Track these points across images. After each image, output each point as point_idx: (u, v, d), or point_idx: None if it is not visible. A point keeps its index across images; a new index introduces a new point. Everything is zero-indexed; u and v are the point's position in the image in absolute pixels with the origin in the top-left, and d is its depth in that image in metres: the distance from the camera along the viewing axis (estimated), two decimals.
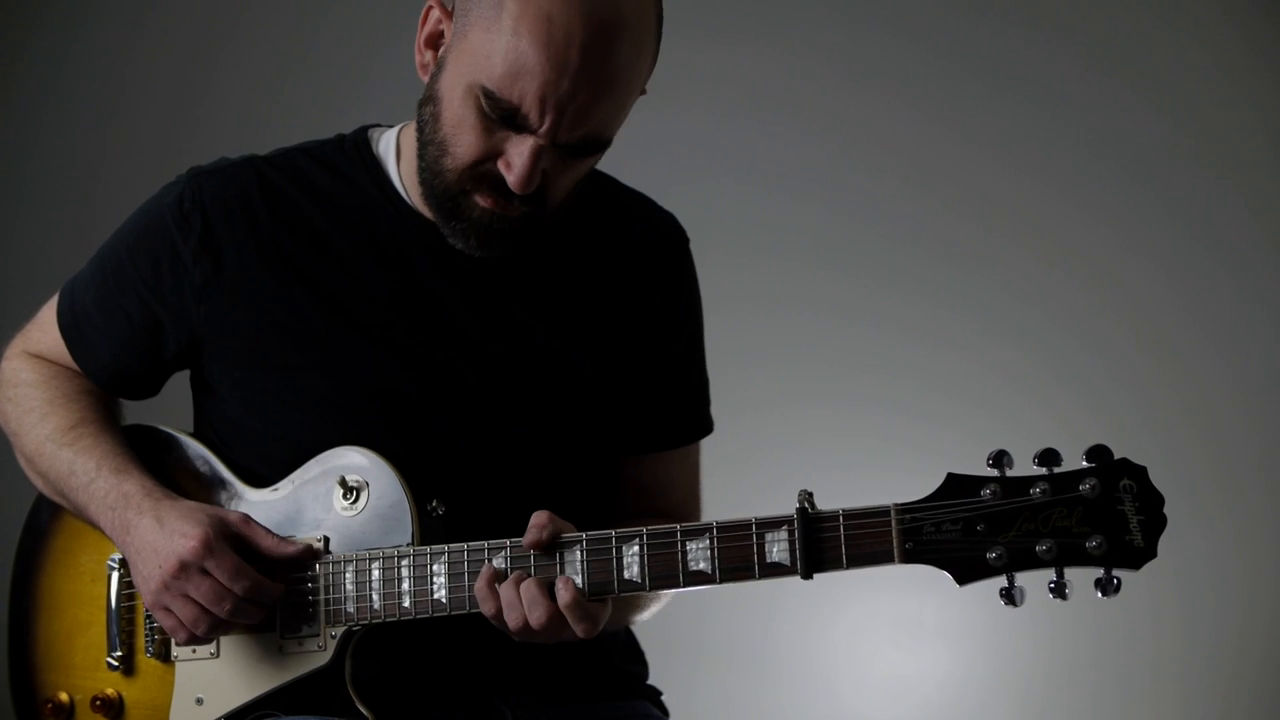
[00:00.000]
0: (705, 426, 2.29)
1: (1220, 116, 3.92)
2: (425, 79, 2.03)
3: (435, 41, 2.02)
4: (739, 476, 3.31)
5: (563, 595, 1.89)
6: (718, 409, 2.30)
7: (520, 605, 1.90)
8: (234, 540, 2.00)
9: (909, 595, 3.85)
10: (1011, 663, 3.90)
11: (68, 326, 2.21)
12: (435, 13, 2.01)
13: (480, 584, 1.92)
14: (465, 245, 2.04)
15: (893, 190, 4.01)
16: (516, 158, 1.94)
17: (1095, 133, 3.95)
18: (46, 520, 2.25)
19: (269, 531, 2.02)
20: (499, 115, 1.93)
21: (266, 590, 2.00)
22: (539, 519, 1.93)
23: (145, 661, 2.12)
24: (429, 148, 2.01)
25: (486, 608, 1.92)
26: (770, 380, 3.93)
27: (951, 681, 3.95)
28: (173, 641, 2.08)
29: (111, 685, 2.15)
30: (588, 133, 1.95)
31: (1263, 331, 3.88)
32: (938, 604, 3.87)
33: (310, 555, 2.02)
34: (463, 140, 1.97)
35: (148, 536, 2.02)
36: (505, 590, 1.91)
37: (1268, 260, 3.89)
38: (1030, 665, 3.89)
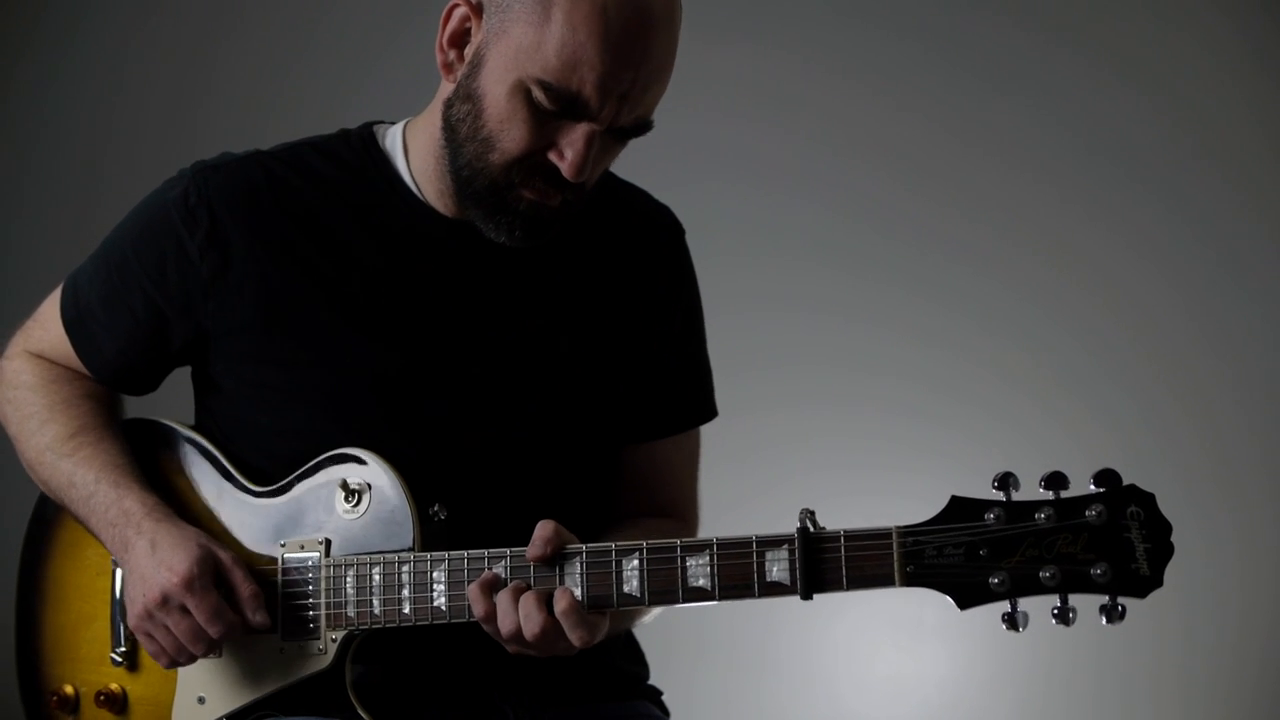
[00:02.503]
0: (708, 411, 2.29)
1: (1220, 116, 3.92)
2: (449, 77, 2.03)
3: (460, 40, 2.01)
4: (739, 476, 3.32)
5: (560, 602, 1.89)
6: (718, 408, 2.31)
7: (514, 613, 1.90)
8: (219, 577, 2.01)
9: (909, 596, 3.84)
10: (1011, 663, 3.91)
11: (71, 322, 2.20)
12: (460, 10, 2.00)
13: (474, 588, 1.92)
14: (508, 239, 2.04)
15: (893, 190, 4.01)
16: (569, 146, 1.95)
17: (1095, 133, 3.95)
18: (53, 511, 2.25)
19: (249, 582, 2.02)
20: (557, 105, 1.93)
21: (239, 632, 2.01)
22: (544, 531, 1.92)
23: (148, 658, 2.11)
24: (469, 145, 2.00)
25: (478, 609, 1.92)
26: (770, 380, 3.93)
27: (951, 681, 3.95)
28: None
29: (115, 680, 2.15)
30: (639, 116, 1.97)
31: (1263, 332, 3.88)
32: (938, 605, 3.86)
33: (266, 628, 2.02)
34: (511, 134, 1.97)
35: (140, 560, 2.02)
36: (501, 598, 1.91)
37: (1268, 260, 3.89)
38: (1030, 665, 3.90)
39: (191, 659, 2.02)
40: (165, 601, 1.99)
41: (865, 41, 4.03)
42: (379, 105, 2.45)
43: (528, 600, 1.89)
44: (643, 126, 2.00)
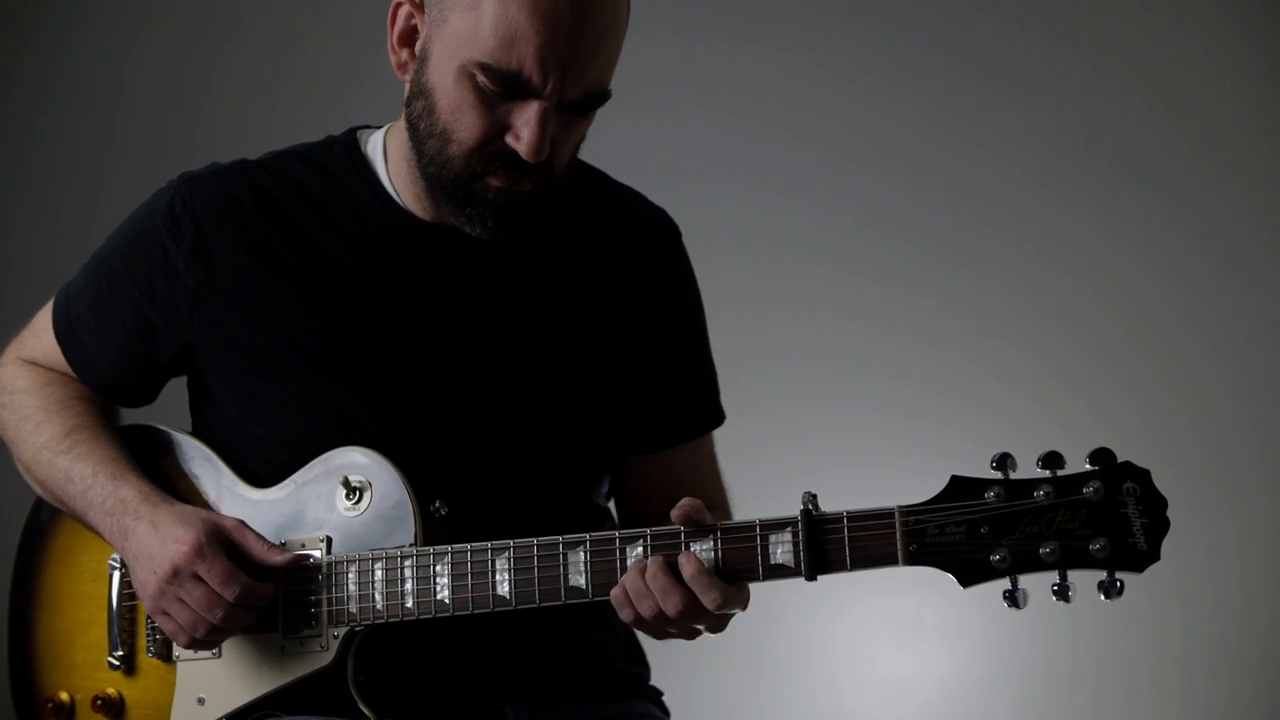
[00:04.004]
0: (716, 417, 2.28)
1: (1220, 116, 3.92)
2: (404, 77, 2.03)
3: (409, 38, 2.01)
4: (739, 476, 3.31)
5: (686, 568, 1.88)
6: None
7: (651, 594, 1.89)
8: (228, 545, 2.01)
9: (909, 595, 3.86)
10: (1011, 663, 3.91)
11: (63, 333, 2.20)
12: (405, 9, 2.01)
13: (618, 591, 1.91)
14: (482, 230, 2.02)
15: (893, 190, 4.01)
16: (524, 126, 1.94)
17: (1095, 132, 3.96)
18: (47, 519, 2.24)
19: (261, 538, 2.02)
20: (500, 86, 1.92)
21: (258, 594, 2.00)
22: (693, 504, 1.91)
23: (146, 661, 2.12)
24: (429, 141, 2.00)
25: (616, 596, 1.91)
26: (770, 380, 3.93)
27: (951, 681, 3.95)
28: (174, 642, 2.08)
29: (112, 685, 2.15)
30: (589, 86, 1.95)
31: (1263, 331, 3.88)
32: (938, 604, 3.87)
33: (299, 565, 2.02)
34: (464, 123, 1.96)
35: (144, 542, 2.02)
36: (630, 580, 1.90)
37: (1268, 260, 3.90)
38: (1030, 665, 3.90)
39: (211, 632, 2.00)
40: (176, 573, 1.98)
41: (865, 42, 4.03)
42: (374, 109, 2.45)
43: (657, 576, 1.88)
44: (597, 97, 1.98)
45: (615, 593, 1.91)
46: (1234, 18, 3.92)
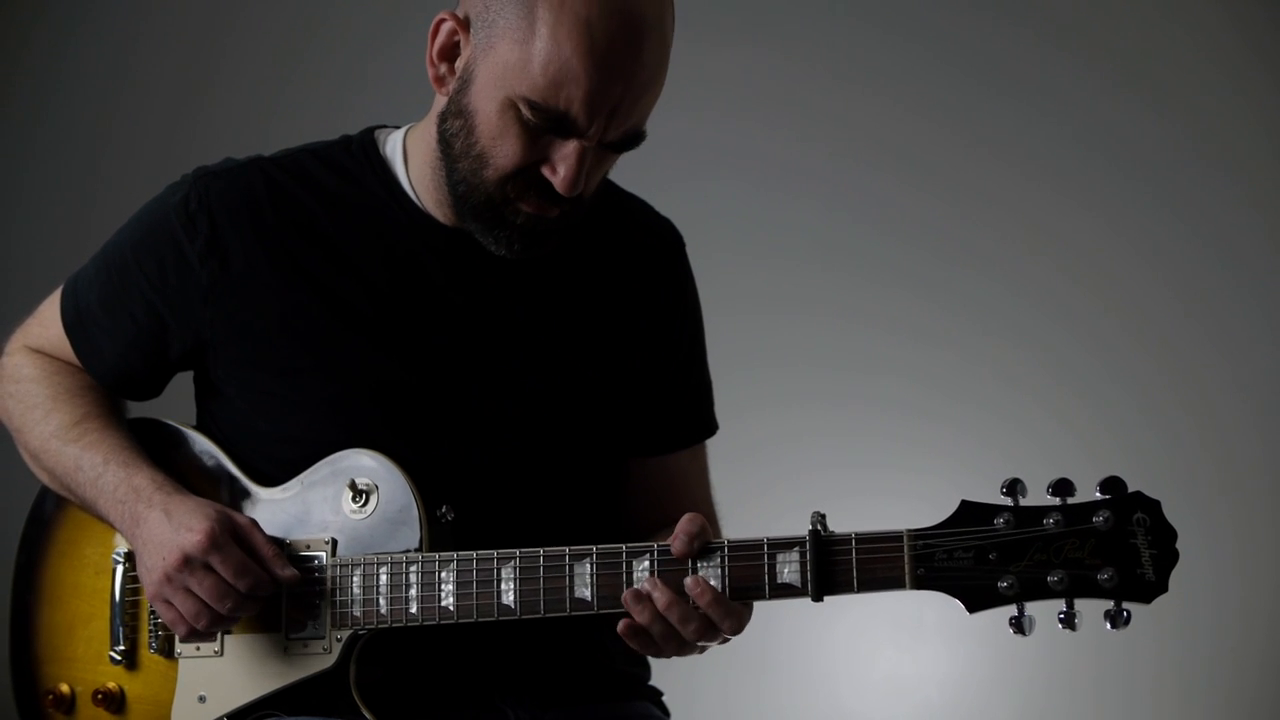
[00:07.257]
0: (710, 427, 2.29)
1: (1220, 116, 3.93)
2: (442, 91, 2.03)
3: (449, 53, 2.01)
4: (739, 476, 3.32)
5: (700, 595, 1.88)
6: (718, 409, 2.30)
7: (666, 622, 1.89)
8: (238, 539, 2.01)
9: (910, 595, 3.85)
10: (1012, 663, 3.91)
11: (71, 324, 2.20)
12: (448, 25, 2.00)
13: (628, 595, 1.91)
14: (508, 251, 2.03)
15: (892, 190, 4.01)
16: (562, 163, 1.95)
17: (1095, 133, 3.96)
18: (51, 511, 2.24)
19: (269, 543, 2.02)
20: (544, 122, 1.93)
21: (267, 587, 2.00)
22: (692, 526, 1.91)
23: (148, 657, 2.12)
24: (463, 160, 2.00)
25: (624, 628, 1.92)
26: (770, 380, 3.93)
27: (951, 681, 3.96)
28: (176, 638, 2.08)
29: (113, 679, 2.15)
30: (629, 129, 1.96)
31: (1263, 331, 3.89)
32: (938, 604, 3.86)
33: (301, 580, 2.01)
34: (504, 150, 1.96)
35: (155, 529, 2.01)
36: (628, 602, 1.90)
37: (1268, 260, 3.90)
38: (1031, 665, 3.90)
39: (214, 623, 2.00)
40: (187, 562, 1.97)
41: (865, 42, 4.03)
42: (382, 107, 2.46)
43: (671, 608, 1.88)
44: (635, 138, 1.98)
45: (627, 596, 1.91)
46: (1234, 18, 3.93)
